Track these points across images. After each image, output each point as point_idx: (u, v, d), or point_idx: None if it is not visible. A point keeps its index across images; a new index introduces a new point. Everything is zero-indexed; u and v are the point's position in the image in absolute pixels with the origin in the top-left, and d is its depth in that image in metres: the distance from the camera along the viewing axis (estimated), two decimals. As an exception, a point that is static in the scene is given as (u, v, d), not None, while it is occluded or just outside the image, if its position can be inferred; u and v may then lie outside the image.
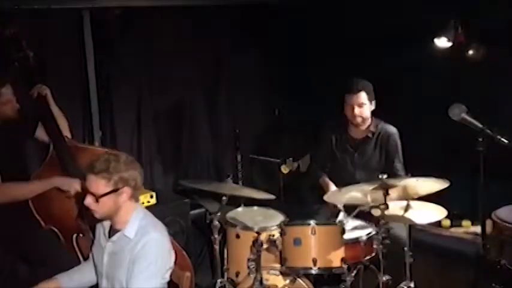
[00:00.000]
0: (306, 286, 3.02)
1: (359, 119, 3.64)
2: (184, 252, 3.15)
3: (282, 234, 2.97)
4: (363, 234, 3.04)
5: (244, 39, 5.02)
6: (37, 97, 3.20)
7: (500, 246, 3.15)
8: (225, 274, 3.23)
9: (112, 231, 2.52)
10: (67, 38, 4.15)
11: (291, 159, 4.89)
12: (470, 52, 4.19)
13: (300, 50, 5.16)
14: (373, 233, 3.04)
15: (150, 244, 2.39)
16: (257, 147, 5.28)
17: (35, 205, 3.09)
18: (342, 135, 3.78)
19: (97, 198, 2.37)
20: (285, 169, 4.84)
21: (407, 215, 2.99)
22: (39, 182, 3.10)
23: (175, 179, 4.86)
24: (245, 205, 3.51)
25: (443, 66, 4.23)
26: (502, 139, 2.91)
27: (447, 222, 3.99)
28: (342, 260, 2.90)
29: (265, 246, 2.97)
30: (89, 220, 2.77)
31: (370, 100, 3.63)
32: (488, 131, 2.92)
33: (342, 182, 3.53)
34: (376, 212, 2.95)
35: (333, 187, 3.65)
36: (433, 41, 4.21)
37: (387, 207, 2.87)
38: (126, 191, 2.42)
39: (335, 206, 3.50)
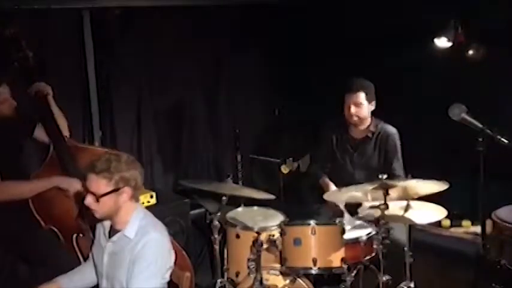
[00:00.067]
0: (306, 286, 3.01)
1: (355, 119, 3.64)
2: (184, 252, 3.15)
3: (282, 234, 2.97)
4: (363, 234, 3.04)
5: (244, 39, 5.02)
6: (38, 97, 3.19)
7: (500, 246, 3.15)
8: (225, 274, 3.23)
9: (112, 232, 2.52)
10: (67, 38, 4.15)
11: (291, 159, 4.89)
12: (470, 52, 4.19)
13: (300, 50, 5.16)
14: (373, 233, 3.04)
15: (150, 244, 2.39)
16: (257, 147, 5.28)
17: (34, 205, 3.09)
18: (342, 135, 3.78)
19: (97, 197, 2.37)
20: (285, 169, 4.84)
21: (407, 215, 2.99)
22: (38, 181, 3.10)
23: (175, 179, 4.86)
24: (245, 205, 3.50)
25: (443, 66, 4.23)
26: (502, 139, 2.91)
27: (447, 222, 3.99)
28: (342, 260, 2.89)
29: (265, 246, 2.97)
30: (89, 220, 2.77)
31: (369, 100, 3.62)
32: (488, 131, 2.92)
33: (342, 182, 3.54)
34: (376, 212, 2.96)
35: (333, 188, 3.65)
36: (433, 41, 4.21)
37: (387, 207, 2.87)
38: (127, 191, 2.42)
39: (336, 205, 3.51)
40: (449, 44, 4.17)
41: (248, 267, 2.98)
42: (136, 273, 2.37)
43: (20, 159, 3.27)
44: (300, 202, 4.74)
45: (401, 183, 2.93)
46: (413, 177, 2.98)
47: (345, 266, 2.90)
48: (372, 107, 3.66)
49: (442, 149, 4.37)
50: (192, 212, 4.21)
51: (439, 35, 4.17)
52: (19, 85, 3.21)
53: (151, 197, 3.93)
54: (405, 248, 3.10)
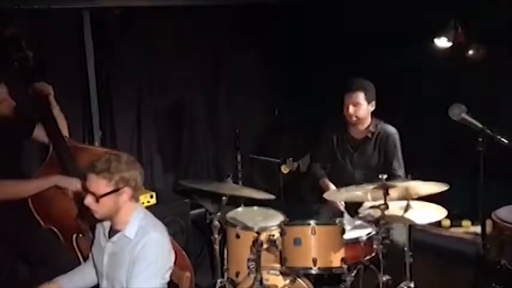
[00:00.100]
0: (306, 286, 3.01)
1: (354, 119, 3.64)
2: (184, 252, 3.15)
3: (282, 234, 2.97)
4: (363, 234, 3.04)
5: (244, 39, 5.02)
6: (39, 97, 3.19)
7: (500, 246, 3.15)
8: (225, 274, 3.23)
9: (112, 232, 2.52)
10: (67, 38, 4.15)
11: (291, 159, 4.89)
12: (470, 52, 4.19)
13: (300, 50, 5.16)
14: (373, 233, 3.04)
15: (150, 244, 2.39)
16: (257, 147, 5.28)
17: (34, 205, 3.08)
18: (342, 135, 3.78)
19: (97, 198, 2.37)
20: (285, 169, 4.84)
21: (407, 215, 2.99)
22: (37, 180, 3.10)
23: (175, 179, 4.86)
24: (245, 205, 3.50)
25: (443, 66, 4.23)
26: (502, 139, 2.91)
27: (447, 222, 4.00)
28: (342, 260, 2.89)
29: (265, 246, 2.97)
30: (89, 220, 2.76)
31: (368, 101, 3.62)
32: (488, 131, 2.92)
33: (342, 182, 3.54)
34: (376, 212, 2.96)
35: (333, 189, 3.65)
36: (433, 41, 4.21)
37: (387, 207, 2.87)
38: (127, 191, 2.41)
39: (336, 206, 3.51)
40: (449, 44, 4.17)
41: (248, 267, 2.98)
42: (136, 273, 2.37)
43: (20, 159, 3.27)
44: (300, 202, 4.74)
45: (401, 184, 2.93)
46: (413, 178, 2.98)
47: (345, 266, 2.90)
48: (372, 107, 3.66)
49: (442, 149, 4.37)
50: (192, 212, 4.21)
51: (439, 35, 4.17)
52: (19, 85, 3.21)
53: (151, 197, 3.93)
54: (405, 248, 3.10)
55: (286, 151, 5.00)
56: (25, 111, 3.28)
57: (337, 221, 3.02)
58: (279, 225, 3.05)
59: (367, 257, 3.01)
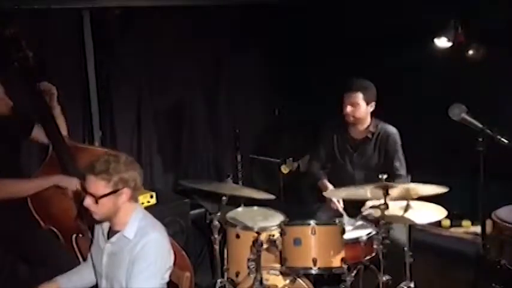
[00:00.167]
0: (306, 286, 3.02)
1: (351, 119, 3.64)
2: (183, 253, 3.15)
3: (282, 234, 2.97)
4: (363, 234, 3.04)
5: (244, 39, 5.03)
6: (40, 97, 3.18)
7: (500, 246, 3.15)
8: (225, 274, 3.23)
9: (111, 232, 2.52)
10: (67, 38, 4.15)
11: (291, 159, 4.90)
12: (470, 52, 4.19)
13: (300, 50, 5.16)
14: (373, 233, 3.05)
15: (150, 245, 2.39)
16: (257, 147, 5.28)
17: (34, 205, 3.08)
18: (342, 135, 3.78)
19: (96, 199, 2.37)
20: (285, 169, 4.84)
21: (407, 215, 2.99)
22: (37, 179, 3.10)
23: (175, 179, 4.86)
24: (245, 205, 3.51)
25: (443, 66, 4.23)
26: (502, 139, 2.92)
27: (447, 222, 4.00)
28: (342, 260, 2.90)
29: (265, 246, 2.97)
30: (88, 221, 2.76)
31: (367, 101, 3.61)
32: (488, 131, 2.92)
33: (341, 182, 3.54)
34: (376, 212, 2.96)
35: (331, 189, 3.65)
36: (433, 41, 4.21)
37: (387, 207, 2.87)
38: (126, 192, 2.41)
39: (334, 208, 3.51)
40: (449, 44, 4.17)
41: (248, 267, 2.98)
42: (135, 273, 2.37)
43: (19, 159, 3.27)
44: (300, 202, 4.74)
45: (401, 186, 2.94)
46: (413, 179, 2.98)
47: (345, 266, 2.90)
48: (371, 108, 3.64)
49: (442, 149, 4.37)
50: (192, 212, 4.21)
51: (439, 35, 4.17)
52: (19, 85, 3.21)
53: (151, 197, 3.93)
54: (405, 248, 3.10)
55: (286, 151, 5.00)
56: (24, 111, 3.28)
57: (337, 221, 3.03)
58: (279, 225, 3.06)
59: (367, 257, 3.01)
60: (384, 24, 4.43)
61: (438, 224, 3.90)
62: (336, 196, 3.56)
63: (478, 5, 3.98)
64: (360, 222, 3.18)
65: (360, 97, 3.59)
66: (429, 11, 4.15)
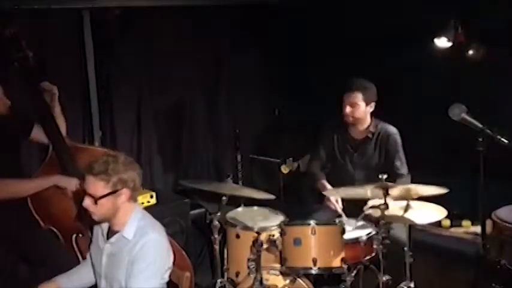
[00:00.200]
0: (306, 286, 3.02)
1: (350, 119, 3.64)
2: (183, 252, 3.15)
3: (282, 234, 2.97)
4: (363, 234, 3.04)
5: (244, 39, 5.02)
6: (39, 97, 3.18)
7: (500, 246, 3.15)
8: (225, 274, 3.23)
9: (110, 233, 2.52)
10: (67, 38, 4.15)
11: (291, 159, 4.89)
12: (470, 52, 4.19)
13: (300, 50, 5.16)
14: (373, 233, 3.05)
15: (149, 245, 2.39)
16: (257, 147, 5.28)
17: (34, 205, 3.09)
18: (342, 135, 3.78)
19: (95, 200, 2.37)
20: (285, 169, 4.84)
21: (407, 215, 2.99)
22: (37, 179, 3.10)
23: (175, 179, 4.86)
24: (245, 205, 3.51)
25: (443, 66, 4.23)
26: (502, 139, 2.91)
27: (447, 222, 4.00)
28: (342, 260, 2.90)
29: (265, 246, 2.97)
30: (88, 222, 2.76)
31: (366, 102, 3.60)
32: (488, 131, 2.92)
33: (342, 182, 3.54)
34: (376, 212, 2.96)
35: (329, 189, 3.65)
36: (433, 41, 4.21)
37: (387, 207, 2.87)
38: (125, 193, 2.41)
39: (333, 209, 3.51)
40: (449, 44, 4.17)
41: (248, 267, 2.98)
42: (135, 273, 2.37)
43: (19, 159, 3.27)
44: (300, 202, 4.74)
45: (401, 187, 2.94)
46: (413, 180, 2.98)
47: (345, 266, 2.90)
48: (370, 108, 3.64)
49: (442, 149, 4.37)
50: (192, 212, 4.21)
51: (439, 35, 4.17)
52: (18, 85, 3.21)
53: (151, 197, 3.93)
54: (405, 248, 3.10)
55: (286, 151, 5.00)
56: (23, 112, 3.28)
57: (337, 221, 3.02)
58: (279, 225, 3.06)
59: (367, 257, 3.01)
60: (384, 24, 4.43)
61: (438, 224, 3.89)
62: (335, 196, 3.55)
63: (478, 5, 3.98)
64: (360, 222, 3.18)
65: (359, 97, 3.59)
66: (429, 11, 4.15)
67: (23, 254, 3.22)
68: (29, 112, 3.29)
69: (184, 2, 4.54)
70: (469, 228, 4.01)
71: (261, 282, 2.89)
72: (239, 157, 4.98)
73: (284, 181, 4.84)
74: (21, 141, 3.29)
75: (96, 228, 2.62)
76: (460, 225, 4.04)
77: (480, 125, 2.94)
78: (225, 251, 3.25)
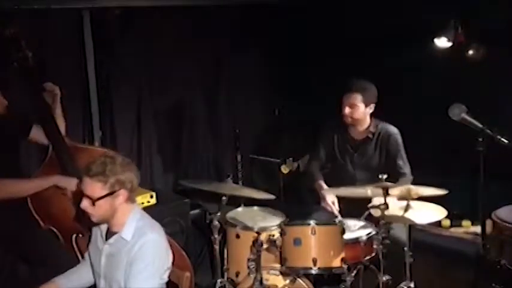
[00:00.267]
0: (306, 286, 3.01)
1: (349, 120, 3.63)
2: (183, 252, 3.14)
3: (282, 234, 2.97)
4: (363, 234, 3.04)
5: (244, 39, 5.02)
6: (39, 98, 3.17)
7: (500, 246, 3.15)
8: (225, 274, 3.23)
9: (109, 234, 2.51)
10: (67, 38, 4.14)
11: (291, 159, 4.89)
12: (470, 52, 4.19)
13: (300, 50, 5.16)
14: (373, 233, 3.05)
15: (148, 245, 2.39)
16: (257, 147, 5.28)
17: (34, 205, 3.09)
18: (342, 135, 3.77)
19: (93, 201, 2.36)
20: (285, 169, 4.84)
21: (407, 215, 2.99)
22: (37, 179, 3.10)
23: (175, 179, 4.86)
24: (245, 205, 3.50)
25: (443, 66, 4.23)
26: (502, 139, 2.91)
27: (447, 222, 4.00)
28: (342, 260, 2.90)
29: (265, 246, 2.97)
30: (86, 223, 2.75)
31: (365, 103, 3.59)
32: (488, 131, 2.92)
33: (342, 182, 3.54)
34: (376, 212, 2.96)
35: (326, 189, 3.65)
36: (433, 41, 4.21)
37: (387, 207, 2.87)
38: (123, 194, 2.41)
39: (332, 213, 3.50)
40: (449, 44, 4.17)
41: (248, 267, 2.98)
42: (134, 274, 2.37)
43: (18, 159, 3.26)
44: (300, 202, 4.73)
45: (401, 187, 2.94)
46: (413, 180, 2.98)
47: (345, 266, 2.90)
48: (370, 110, 3.63)
49: (442, 149, 4.37)
50: (192, 212, 4.21)
51: (439, 35, 4.18)
52: (18, 85, 3.21)
53: (151, 197, 3.93)
54: (405, 248, 3.10)
55: (286, 151, 5.00)
56: (22, 112, 3.28)
57: (337, 221, 3.02)
58: (279, 225, 3.06)
59: (367, 257, 3.01)
60: (384, 24, 4.43)
61: (438, 224, 3.89)
62: (332, 197, 3.55)
63: (478, 5, 3.98)
64: (362, 223, 3.19)
65: (358, 99, 3.58)
66: (429, 11, 4.15)
67: (22, 254, 3.22)
68: (28, 112, 3.29)
69: (184, 2, 4.54)
70: (469, 228, 4.01)
71: (261, 282, 2.89)
72: (239, 157, 4.98)
73: (284, 181, 4.83)
74: (20, 141, 3.28)
75: (95, 229, 2.62)
76: (460, 225, 4.04)
77: (480, 125, 2.94)
78: (225, 251, 3.25)
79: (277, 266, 3.01)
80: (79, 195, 2.45)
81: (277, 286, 2.98)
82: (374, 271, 2.99)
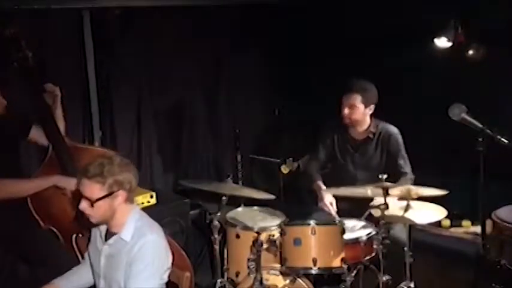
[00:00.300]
0: (306, 286, 3.01)
1: (348, 120, 3.63)
2: (183, 252, 3.14)
3: (282, 234, 2.97)
4: (363, 234, 3.04)
5: (244, 39, 5.02)
6: (40, 98, 3.17)
7: (500, 246, 3.15)
8: (225, 274, 3.23)
9: (108, 234, 2.51)
10: (67, 38, 4.14)
11: (291, 159, 4.89)
12: (470, 52, 4.19)
13: (300, 50, 5.16)
14: (373, 233, 3.05)
15: (147, 246, 2.39)
16: (257, 147, 5.28)
17: (33, 205, 3.09)
18: (343, 135, 3.77)
19: (92, 202, 2.36)
20: (285, 169, 4.84)
21: (407, 215, 2.99)
22: (37, 179, 3.10)
23: (175, 179, 4.86)
24: (245, 205, 3.51)
25: (443, 66, 4.23)
26: (502, 139, 2.92)
27: (447, 222, 4.00)
28: (342, 260, 2.90)
29: (265, 246, 2.97)
30: (86, 224, 2.75)
31: (365, 104, 3.59)
32: (488, 131, 2.92)
33: (343, 182, 3.54)
34: (376, 212, 2.96)
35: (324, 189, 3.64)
36: (433, 41, 4.21)
37: (387, 207, 2.87)
38: (121, 194, 2.40)
39: (329, 214, 3.50)
40: (449, 44, 4.17)
41: (248, 267, 2.98)
42: (134, 274, 2.37)
43: (18, 159, 3.26)
44: (300, 202, 4.73)
45: (401, 188, 2.94)
46: (414, 182, 2.97)
47: (345, 266, 2.90)
48: (370, 110, 3.63)
49: (442, 149, 4.37)
50: (192, 212, 4.21)
51: (439, 35, 4.18)
52: (18, 85, 3.21)
53: (151, 197, 3.93)
54: (405, 248, 3.10)
55: (286, 151, 5.00)
56: (22, 112, 3.28)
57: (337, 221, 3.02)
58: (279, 225, 3.06)
59: (367, 257, 3.01)
60: (384, 24, 4.43)
61: (438, 224, 3.90)
62: (329, 198, 3.55)
63: (478, 5, 3.98)
64: (362, 223, 3.19)
65: (358, 99, 3.57)
66: (429, 11, 4.16)
67: (23, 254, 3.22)
68: (28, 112, 3.29)
69: (184, 2, 4.54)
70: (469, 228, 4.01)
71: (261, 282, 2.89)
72: (239, 157, 4.98)
73: (284, 181, 4.83)
74: (20, 142, 3.28)
75: (94, 230, 2.62)
76: (460, 225, 4.04)
77: (480, 125, 2.94)
78: (225, 251, 3.25)
79: (277, 266, 3.01)
80: (79, 195, 2.44)
81: (277, 286, 2.98)
82: (374, 271, 2.99)
